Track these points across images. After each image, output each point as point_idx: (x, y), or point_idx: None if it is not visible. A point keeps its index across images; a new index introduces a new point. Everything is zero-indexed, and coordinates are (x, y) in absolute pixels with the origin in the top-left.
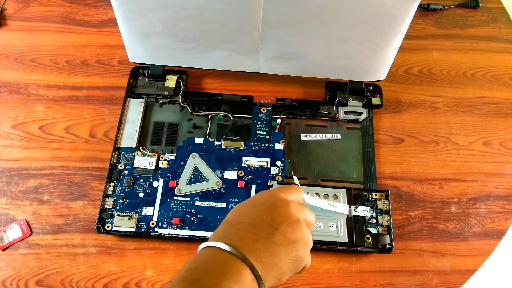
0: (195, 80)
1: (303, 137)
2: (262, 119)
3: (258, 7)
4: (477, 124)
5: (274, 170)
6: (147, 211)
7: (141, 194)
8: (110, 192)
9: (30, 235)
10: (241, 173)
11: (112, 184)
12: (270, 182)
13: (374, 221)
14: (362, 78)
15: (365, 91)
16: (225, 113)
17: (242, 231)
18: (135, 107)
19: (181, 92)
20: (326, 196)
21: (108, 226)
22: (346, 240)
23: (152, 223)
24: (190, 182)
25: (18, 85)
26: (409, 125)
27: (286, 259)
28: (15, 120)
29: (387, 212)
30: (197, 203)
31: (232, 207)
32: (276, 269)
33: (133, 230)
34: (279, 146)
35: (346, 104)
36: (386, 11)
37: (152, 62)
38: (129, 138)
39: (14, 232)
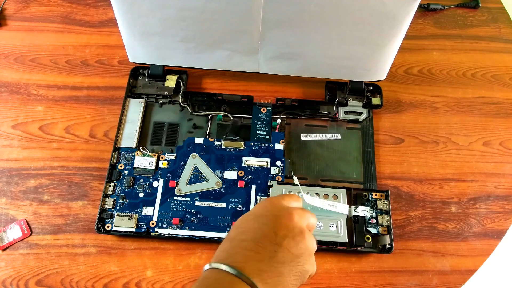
0: (195, 80)
1: (303, 137)
2: (262, 119)
3: (258, 7)
4: (477, 124)
5: (274, 170)
6: (147, 211)
7: (141, 194)
8: (110, 192)
9: (30, 235)
10: (241, 173)
11: (112, 184)
12: (270, 182)
13: (374, 221)
14: (362, 78)
15: (365, 91)
16: (225, 113)
17: (246, 250)
18: (135, 107)
19: (181, 92)
20: (326, 196)
21: (108, 226)
22: (346, 240)
23: (152, 223)
24: (190, 182)
25: (18, 85)
26: (409, 125)
27: (290, 276)
28: (15, 120)
29: (387, 212)
30: (197, 203)
31: (232, 207)
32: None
33: (133, 230)
34: (279, 146)
35: (346, 104)
36: (386, 11)
37: (152, 62)
38: (129, 138)
39: (14, 232)
